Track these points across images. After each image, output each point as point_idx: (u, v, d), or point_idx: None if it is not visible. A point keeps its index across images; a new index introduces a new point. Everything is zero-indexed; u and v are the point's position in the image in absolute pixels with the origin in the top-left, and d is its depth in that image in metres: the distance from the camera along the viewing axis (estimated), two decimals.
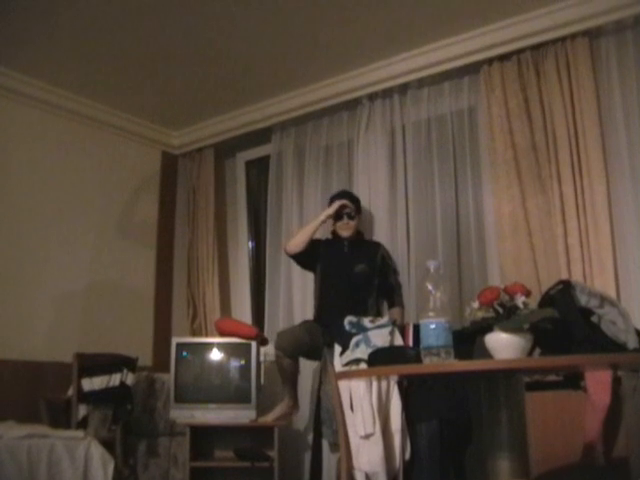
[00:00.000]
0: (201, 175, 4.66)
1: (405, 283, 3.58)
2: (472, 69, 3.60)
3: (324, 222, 3.51)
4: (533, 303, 2.07)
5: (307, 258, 3.50)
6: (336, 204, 3.47)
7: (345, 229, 3.48)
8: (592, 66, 3.22)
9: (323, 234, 3.67)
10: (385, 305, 3.53)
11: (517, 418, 1.95)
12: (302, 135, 4.24)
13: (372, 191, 3.83)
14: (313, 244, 3.48)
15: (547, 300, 2.30)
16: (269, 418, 3.44)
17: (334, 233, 3.56)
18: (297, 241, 3.46)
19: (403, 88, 3.84)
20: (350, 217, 3.47)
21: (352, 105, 4.02)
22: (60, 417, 3.40)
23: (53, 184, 4.04)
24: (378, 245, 3.57)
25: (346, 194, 3.58)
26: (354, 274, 3.38)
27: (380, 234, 3.74)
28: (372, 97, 3.93)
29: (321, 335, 3.25)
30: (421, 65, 3.68)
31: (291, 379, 3.39)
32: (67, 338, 3.84)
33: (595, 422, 2.28)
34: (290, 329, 3.43)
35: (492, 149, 3.45)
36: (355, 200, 3.55)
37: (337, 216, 3.48)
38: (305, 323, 3.45)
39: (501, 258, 3.32)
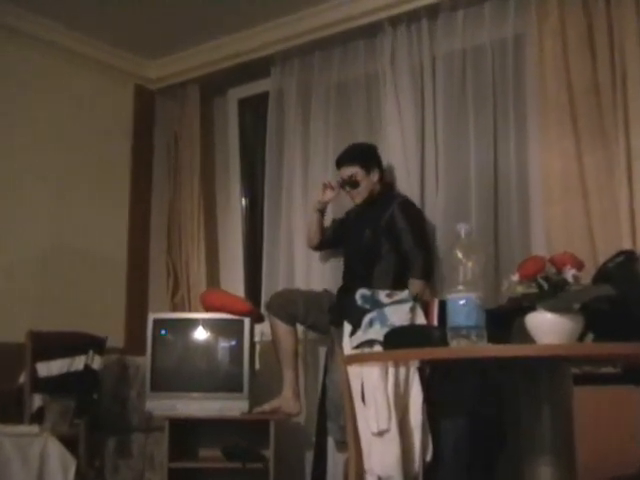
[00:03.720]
0: (184, 116, 4.64)
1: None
2: None
3: (321, 211, 3.75)
4: (586, 278, 2.07)
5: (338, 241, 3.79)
6: (317, 191, 3.75)
7: (352, 197, 3.61)
8: None
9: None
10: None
11: (562, 417, 1.96)
12: (308, 68, 4.20)
13: (394, 139, 3.81)
14: (340, 223, 3.79)
15: (604, 275, 2.29)
16: (265, 408, 3.49)
17: None
18: (307, 239, 3.87)
19: (433, 10, 3.77)
20: (352, 186, 3.56)
21: (371, 32, 3.97)
22: (10, 409, 3.42)
23: None
24: (391, 201, 3.53)
25: (344, 157, 3.61)
26: (361, 243, 3.50)
27: (402, 191, 3.71)
28: (395, 21, 3.88)
29: (326, 310, 3.33)
30: None
31: (289, 356, 3.46)
32: (19, 313, 3.86)
33: None
34: (288, 289, 3.78)
35: (542, 90, 3.39)
36: (360, 159, 3.57)
37: (341, 185, 3.63)
38: (318, 292, 3.65)
39: (548, 224, 3.31)
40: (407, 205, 3.53)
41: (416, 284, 3.34)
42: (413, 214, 3.51)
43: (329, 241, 3.80)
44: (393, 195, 3.63)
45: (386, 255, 3.44)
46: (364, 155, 3.60)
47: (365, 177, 3.54)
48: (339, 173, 3.62)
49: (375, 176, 3.57)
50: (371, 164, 3.57)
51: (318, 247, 3.85)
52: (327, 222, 3.86)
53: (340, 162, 3.61)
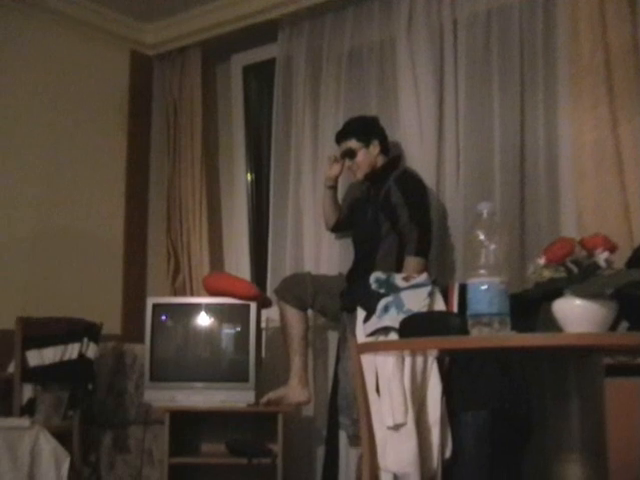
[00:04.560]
0: (184, 84, 4.64)
1: (450, 231, 3.60)
2: None
3: (333, 187, 3.75)
4: (620, 261, 2.05)
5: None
6: (326, 165, 3.74)
7: (354, 172, 3.62)
8: None
9: None
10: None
11: (593, 411, 1.96)
12: (319, 33, 4.19)
13: (410, 111, 3.80)
14: (352, 202, 3.77)
15: (639, 258, 2.27)
16: (269, 396, 3.49)
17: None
18: (324, 219, 3.86)
19: None
20: (350, 156, 3.58)
21: None
22: None
23: None
24: (389, 174, 3.53)
25: (341, 133, 3.64)
26: (365, 223, 3.53)
27: (417, 168, 3.70)
28: None
29: (338, 294, 3.34)
30: None
31: (297, 342, 3.48)
32: (8, 299, 3.88)
33: None
34: (298, 272, 3.82)
35: (575, 53, 3.36)
36: (357, 132, 3.57)
37: (342, 158, 3.65)
38: (331, 275, 3.70)
39: (579, 201, 3.29)
40: (404, 177, 3.52)
41: (410, 262, 3.30)
42: (410, 186, 3.48)
43: (346, 222, 3.80)
44: (393, 168, 3.61)
45: (387, 234, 3.43)
46: (360, 128, 3.61)
47: (362, 149, 3.55)
48: (339, 150, 3.64)
49: (375, 149, 3.56)
50: (369, 136, 3.57)
51: (335, 228, 3.85)
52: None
53: (338, 138, 3.65)
